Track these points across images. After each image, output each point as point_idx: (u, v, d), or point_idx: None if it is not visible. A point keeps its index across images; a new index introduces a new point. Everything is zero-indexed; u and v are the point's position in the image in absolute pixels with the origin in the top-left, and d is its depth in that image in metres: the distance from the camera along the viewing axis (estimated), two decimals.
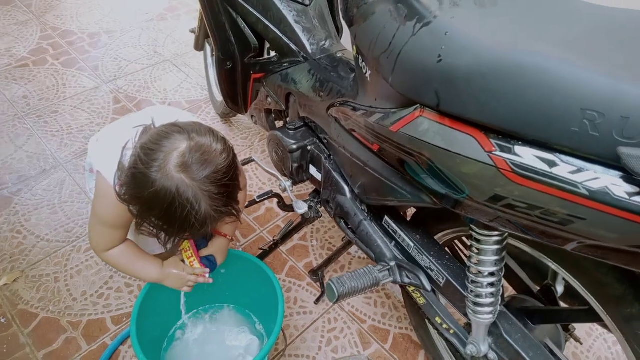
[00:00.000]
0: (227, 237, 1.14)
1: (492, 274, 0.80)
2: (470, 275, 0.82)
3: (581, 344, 1.07)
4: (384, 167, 0.87)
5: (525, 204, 0.60)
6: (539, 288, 0.97)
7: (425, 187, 0.76)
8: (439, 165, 0.69)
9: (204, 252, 1.11)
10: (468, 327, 0.94)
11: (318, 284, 1.45)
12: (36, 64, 2.16)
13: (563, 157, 0.56)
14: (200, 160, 0.81)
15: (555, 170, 0.56)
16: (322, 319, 1.39)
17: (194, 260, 1.07)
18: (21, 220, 1.55)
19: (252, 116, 1.48)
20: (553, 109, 0.55)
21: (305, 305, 1.41)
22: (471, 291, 0.83)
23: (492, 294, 0.81)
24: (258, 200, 1.20)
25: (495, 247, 0.76)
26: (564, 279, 0.93)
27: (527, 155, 0.58)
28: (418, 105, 0.72)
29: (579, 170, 0.55)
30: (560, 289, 0.95)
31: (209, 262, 1.11)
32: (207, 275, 1.08)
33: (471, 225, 0.77)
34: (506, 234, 0.76)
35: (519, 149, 0.59)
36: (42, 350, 1.25)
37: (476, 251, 0.79)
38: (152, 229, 0.88)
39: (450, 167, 0.68)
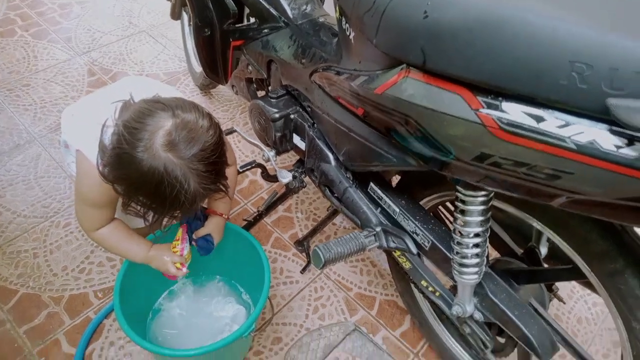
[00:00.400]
0: (223, 215, 1.12)
1: (477, 235, 0.80)
2: (456, 237, 0.82)
3: (564, 303, 1.09)
4: (369, 132, 0.86)
5: (512, 161, 0.60)
6: (522, 250, 0.99)
7: (411, 150, 0.75)
8: (425, 126, 0.68)
9: (201, 232, 1.10)
10: (453, 289, 0.95)
11: (304, 254, 1.45)
12: (3, 35, 2.07)
13: (550, 111, 0.56)
14: (187, 138, 0.79)
15: (542, 126, 0.56)
16: (308, 287, 1.39)
17: (178, 245, 1.07)
18: None
19: (232, 86, 1.44)
20: (541, 62, 0.54)
21: (291, 275, 1.42)
22: (457, 253, 0.84)
23: (477, 254, 0.82)
24: (241, 170, 1.19)
25: (481, 207, 0.77)
26: (547, 240, 0.95)
27: (514, 112, 0.58)
28: (404, 65, 0.71)
29: (567, 125, 0.54)
30: (544, 250, 0.96)
31: (206, 242, 1.10)
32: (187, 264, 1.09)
33: (457, 187, 0.76)
34: (492, 194, 0.77)
35: (506, 105, 0.58)
36: (24, 326, 1.23)
37: (462, 212, 0.79)
38: (139, 208, 0.86)
39: (436, 128, 0.67)
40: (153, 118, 0.79)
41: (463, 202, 0.78)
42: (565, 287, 1.42)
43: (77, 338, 1.22)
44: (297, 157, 1.26)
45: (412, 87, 0.69)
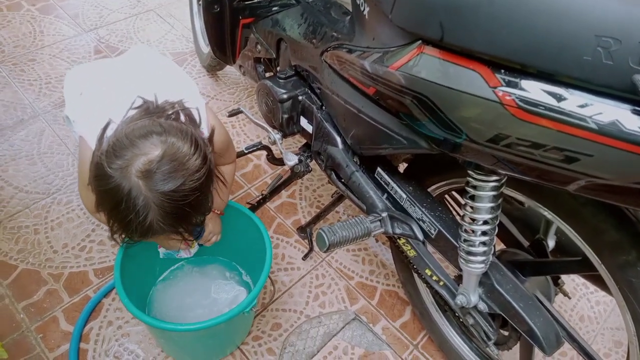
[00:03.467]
0: (216, 212, 1.10)
1: (486, 222, 0.78)
2: (464, 224, 0.80)
3: (569, 297, 1.07)
4: (380, 113, 0.84)
5: (528, 142, 0.58)
6: (529, 243, 0.96)
7: (422, 132, 0.73)
8: (440, 105, 0.66)
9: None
10: (458, 279, 0.93)
11: (306, 240, 1.44)
12: (10, 8, 2.04)
13: (572, 90, 0.53)
14: (166, 173, 0.74)
15: (563, 105, 0.54)
16: (309, 275, 1.38)
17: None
18: None
19: (240, 66, 1.42)
20: (564, 37, 0.52)
21: (292, 261, 1.40)
22: (464, 240, 0.82)
23: (485, 242, 0.80)
24: (246, 151, 1.16)
25: (492, 193, 0.74)
26: (555, 232, 0.93)
27: (534, 90, 0.56)
28: (419, 41, 0.68)
29: (588, 104, 0.52)
30: (551, 243, 0.94)
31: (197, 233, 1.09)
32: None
33: (468, 171, 0.74)
34: (503, 180, 0.74)
35: (525, 83, 0.56)
36: (23, 302, 1.22)
37: (471, 198, 0.77)
38: (104, 216, 0.82)
39: (451, 107, 0.65)
40: (144, 140, 0.76)
41: (474, 187, 0.76)
42: (568, 285, 1.40)
43: (76, 316, 1.21)
44: (303, 142, 1.24)
45: (427, 64, 0.66)
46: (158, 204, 0.75)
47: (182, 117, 0.86)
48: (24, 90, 1.73)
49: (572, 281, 1.43)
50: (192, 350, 1.10)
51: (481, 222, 0.78)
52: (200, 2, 1.38)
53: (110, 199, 0.76)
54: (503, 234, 0.99)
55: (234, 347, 1.19)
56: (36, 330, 1.18)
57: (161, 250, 1.15)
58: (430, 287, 1.03)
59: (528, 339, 0.82)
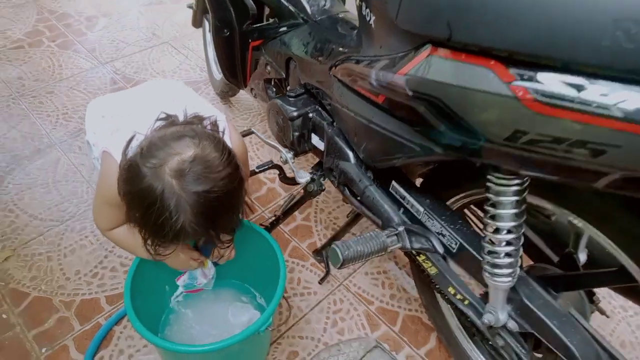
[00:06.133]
0: None
1: (510, 231, 0.73)
2: (487, 234, 0.75)
3: (607, 316, 0.99)
4: (391, 122, 0.81)
5: (549, 137, 0.53)
6: (558, 258, 0.90)
7: (436, 137, 0.69)
8: (452, 106, 0.63)
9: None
10: (484, 298, 0.87)
11: (322, 264, 1.39)
12: (32, 45, 2.12)
13: (591, 79, 0.49)
14: (199, 174, 0.75)
15: (583, 95, 0.50)
16: (326, 299, 1.32)
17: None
18: (14, 199, 1.49)
19: (251, 89, 1.42)
20: (580, 24, 0.49)
21: (309, 285, 1.35)
22: (488, 252, 0.76)
23: (510, 254, 0.74)
24: (257, 170, 1.14)
25: (514, 198, 0.69)
26: (586, 246, 0.87)
27: (551, 81, 0.52)
28: (427, 45, 0.66)
29: (611, 92, 0.48)
30: (582, 256, 0.87)
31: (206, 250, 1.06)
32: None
33: (488, 176, 0.70)
34: (526, 182, 0.69)
35: (541, 75, 0.53)
36: (33, 330, 1.19)
37: (493, 205, 0.72)
38: (134, 224, 0.83)
39: (464, 107, 0.61)
40: (178, 142, 0.77)
41: (495, 193, 0.71)
42: (606, 307, 1.30)
43: (86, 344, 1.17)
44: (315, 162, 1.21)
45: (437, 65, 0.63)
46: (191, 204, 0.74)
47: (209, 128, 0.87)
48: (42, 122, 1.77)
49: (608, 304, 1.34)
50: None
51: (505, 231, 0.72)
52: (211, 26, 1.40)
53: (143, 199, 0.75)
54: (530, 249, 0.93)
55: None
56: (46, 359, 1.15)
57: (181, 282, 1.11)
58: (455, 308, 0.96)
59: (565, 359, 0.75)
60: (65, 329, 1.21)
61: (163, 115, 0.86)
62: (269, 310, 0.94)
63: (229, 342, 0.91)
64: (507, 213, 0.71)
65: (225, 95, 1.85)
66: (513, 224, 0.72)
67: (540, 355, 0.87)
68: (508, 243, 0.74)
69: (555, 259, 0.90)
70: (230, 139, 0.95)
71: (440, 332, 1.18)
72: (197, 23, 1.70)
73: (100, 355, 1.16)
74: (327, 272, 1.36)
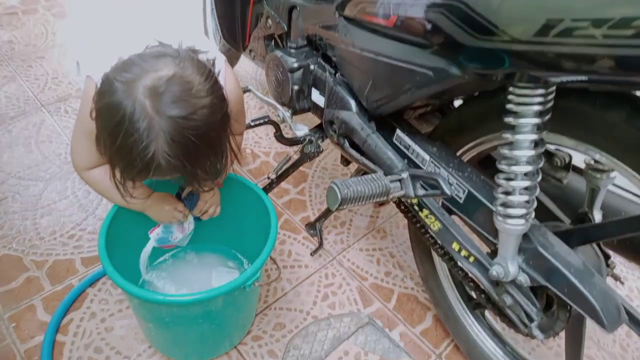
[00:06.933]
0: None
1: (528, 162, 0.66)
2: (502, 167, 0.68)
3: (622, 283, 0.92)
4: (401, 49, 0.74)
5: (588, 20, 0.47)
6: (570, 220, 0.83)
7: (452, 55, 0.63)
8: (475, 4, 0.57)
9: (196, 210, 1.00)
10: (491, 255, 0.80)
11: (315, 238, 1.31)
12: (26, 13, 2.06)
13: None
14: (176, 96, 0.66)
15: None
16: (318, 273, 1.24)
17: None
18: None
19: (250, 51, 1.36)
20: None
21: (300, 258, 1.27)
22: (501, 191, 0.69)
23: (527, 188, 0.67)
24: (252, 124, 1.07)
25: (534, 121, 0.63)
26: (601, 208, 0.80)
27: None
28: None
29: None
30: (598, 216, 0.81)
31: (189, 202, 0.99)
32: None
33: (509, 88, 0.63)
34: (550, 98, 0.62)
35: None
36: (0, 288, 1.10)
37: (512, 128, 0.65)
38: (103, 151, 0.73)
39: (489, 1, 0.55)
40: (156, 59, 0.69)
41: (514, 108, 0.64)
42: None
43: (56, 306, 1.08)
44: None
45: None
46: (165, 129, 0.66)
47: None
48: (30, 84, 1.69)
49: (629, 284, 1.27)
50: (185, 341, 0.95)
51: (524, 161, 0.66)
52: None
53: (111, 116, 0.67)
54: (541, 211, 0.86)
55: (231, 345, 1.04)
56: (9, 319, 1.05)
57: (154, 235, 1.03)
58: (458, 271, 0.89)
59: (582, 312, 0.67)
60: (34, 289, 1.11)
61: (155, 44, 0.78)
62: (257, 262, 0.86)
63: (212, 293, 0.82)
64: (526, 139, 0.64)
65: None
66: (532, 152, 0.65)
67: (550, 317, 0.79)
68: (525, 175, 0.67)
69: (567, 221, 0.84)
70: (225, 82, 0.87)
71: (437, 307, 1.10)
72: None
73: (69, 318, 1.07)
74: (320, 245, 1.28)
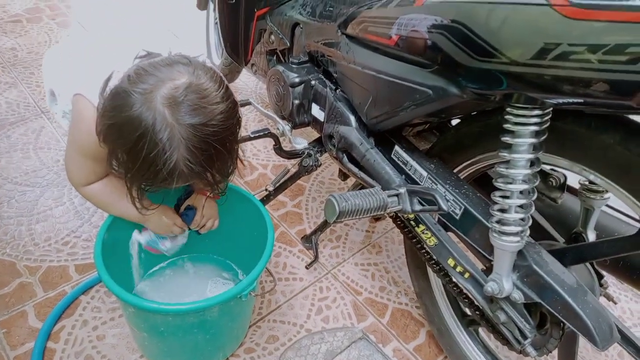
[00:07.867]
0: (208, 195, 0.99)
1: (524, 181, 0.67)
2: (498, 185, 0.70)
3: (615, 303, 0.93)
4: (401, 67, 0.76)
5: (584, 46, 0.49)
6: (564, 240, 0.85)
7: (452, 75, 0.65)
8: (473, 26, 0.59)
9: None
10: (486, 272, 0.81)
11: (310, 251, 1.31)
12: (30, 21, 2.08)
13: None
14: (194, 104, 0.67)
15: None
16: (312, 286, 1.24)
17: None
18: None
19: (252, 65, 1.38)
20: None
21: (295, 271, 1.27)
22: (498, 209, 0.71)
23: (522, 206, 0.69)
24: (252, 136, 1.08)
25: (534, 128, 0.64)
26: (595, 228, 0.81)
27: None
28: None
29: None
30: (592, 235, 0.82)
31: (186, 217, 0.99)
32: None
33: (506, 109, 0.65)
34: (546, 119, 0.64)
35: None
36: None
37: (509, 147, 0.67)
38: (118, 166, 0.74)
39: (487, 24, 0.57)
40: (170, 68, 0.70)
41: (512, 128, 0.65)
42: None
43: (48, 312, 1.07)
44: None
45: None
46: (186, 138, 0.66)
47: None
48: (31, 91, 1.70)
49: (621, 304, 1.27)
50: (179, 351, 0.95)
51: (520, 179, 0.67)
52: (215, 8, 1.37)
53: (132, 130, 0.66)
54: (535, 231, 0.87)
55: (224, 357, 1.04)
56: (0, 324, 1.04)
57: (143, 238, 1.00)
58: (453, 287, 0.90)
59: (575, 330, 0.68)
60: (27, 295, 1.11)
61: (143, 53, 0.77)
62: (254, 272, 0.86)
63: (209, 302, 0.82)
64: (522, 157, 0.65)
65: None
66: (527, 171, 0.66)
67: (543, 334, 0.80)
68: (520, 194, 0.68)
69: (562, 240, 0.85)
70: None
71: (431, 323, 1.10)
72: (202, 5, 1.68)
73: (61, 325, 1.06)
74: (315, 258, 1.28)
